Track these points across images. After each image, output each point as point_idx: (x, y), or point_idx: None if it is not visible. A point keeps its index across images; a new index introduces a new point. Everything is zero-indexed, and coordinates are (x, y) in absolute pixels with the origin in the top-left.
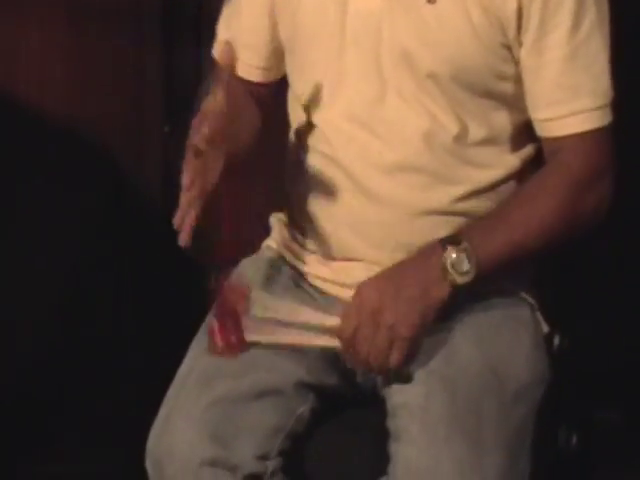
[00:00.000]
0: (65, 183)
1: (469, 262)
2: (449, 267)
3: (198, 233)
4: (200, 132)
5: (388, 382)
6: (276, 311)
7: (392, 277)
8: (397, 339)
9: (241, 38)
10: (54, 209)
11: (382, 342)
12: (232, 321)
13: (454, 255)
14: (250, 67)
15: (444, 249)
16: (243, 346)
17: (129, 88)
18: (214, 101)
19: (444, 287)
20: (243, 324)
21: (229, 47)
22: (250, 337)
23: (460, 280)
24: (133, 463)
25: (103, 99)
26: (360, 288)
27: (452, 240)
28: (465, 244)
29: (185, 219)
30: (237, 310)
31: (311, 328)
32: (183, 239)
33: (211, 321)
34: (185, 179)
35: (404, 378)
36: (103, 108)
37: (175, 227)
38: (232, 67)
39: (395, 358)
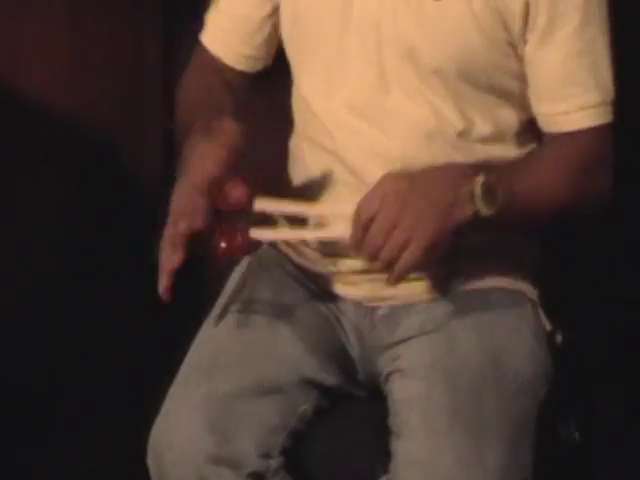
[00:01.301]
0: (64, 179)
1: (496, 195)
2: (477, 193)
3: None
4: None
5: (392, 282)
6: (282, 203)
7: (419, 180)
8: (414, 243)
9: (233, 25)
10: (53, 205)
11: (398, 238)
12: (235, 220)
13: (484, 182)
14: (239, 56)
15: (475, 174)
16: (249, 245)
17: (129, 84)
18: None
19: (468, 210)
20: (248, 223)
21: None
22: (256, 234)
23: (484, 210)
24: (134, 458)
25: (103, 95)
26: (387, 178)
27: (486, 170)
28: (495, 177)
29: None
30: (239, 207)
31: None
32: (164, 290)
33: (214, 223)
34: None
35: (404, 277)
36: (103, 104)
37: (160, 266)
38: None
39: (407, 259)
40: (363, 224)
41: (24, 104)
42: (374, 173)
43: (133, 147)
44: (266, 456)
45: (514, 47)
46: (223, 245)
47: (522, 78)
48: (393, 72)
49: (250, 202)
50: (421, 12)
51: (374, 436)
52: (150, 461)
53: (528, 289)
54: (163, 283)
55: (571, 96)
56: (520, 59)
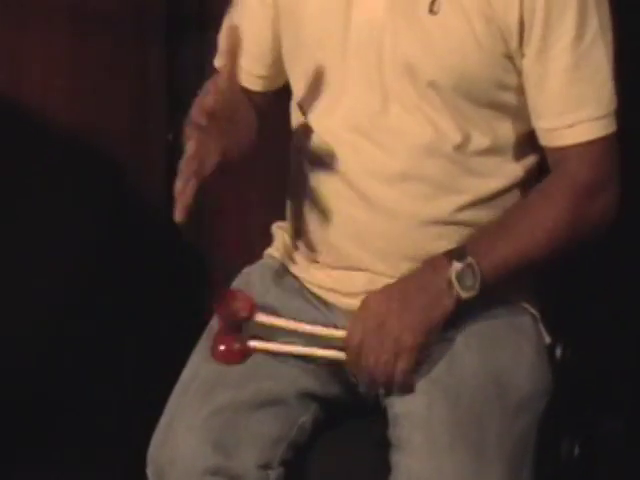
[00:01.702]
0: (67, 190)
1: (474, 277)
2: (454, 281)
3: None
4: (201, 105)
5: (392, 394)
6: (281, 320)
7: (398, 290)
8: (402, 350)
9: (245, 47)
10: (56, 215)
11: (388, 353)
12: (235, 327)
13: (459, 270)
14: (250, 75)
15: (450, 263)
16: (246, 353)
17: (132, 95)
18: (217, 80)
19: (449, 301)
20: (246, 331)
21: (235, 31)
22: (253, 344)
23: (465, 295)
24: (135, 470)
25: (106, 106)
26: (366, 300)
27: (457, 254)
28: (470, 259)
29: (185, 190)
30: (240, 316)
31: (316, 339)
32: (179, 213)
33: (214, 327)
34: (189, 148)
35: (408, 389)
36: (106, 115)
37: (175, 194)
38: (236, 53)
39: (400, 369)
40: (353, 352)
41: (26, 117)
42: (374, 189)
43: (136, 156)
44: (265, 467)
45: (513, 60)
46: (222, 348)
47: (521, 92)
48: (392, 89)
49: (252, 314)
50: (421, 29)
51: (373, 449)
52: (151, 477)
53: (528, 303)
54: (178, 210)
55: (568, 111)
56: (519, 72)
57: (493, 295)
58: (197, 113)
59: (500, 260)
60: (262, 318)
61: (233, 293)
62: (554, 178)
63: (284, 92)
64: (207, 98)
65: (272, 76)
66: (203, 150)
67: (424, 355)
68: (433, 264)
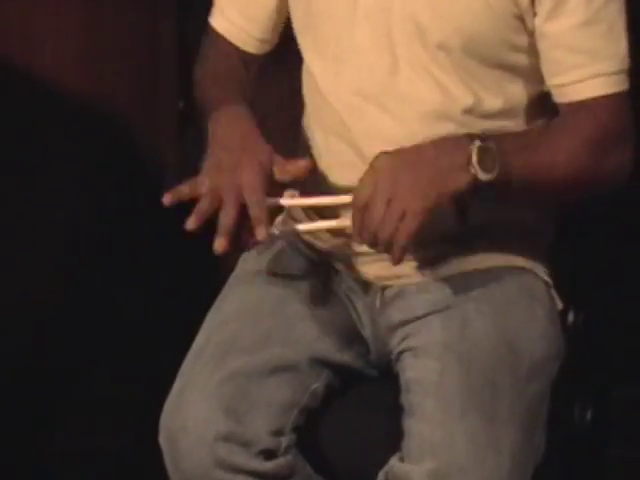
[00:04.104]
0: (79, 158)
1: (494, 160)
2: (474, 157)
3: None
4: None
5: (395, 260)
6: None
7: (413, 154)
8: (410, 212)
9: (244, 8)
10: (68, 182)
11: (394, 212)
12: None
13: (481, 148)
14: (249, 37)
15: (471, 141)
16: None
17: (143, 63)
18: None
19: (464, 176)
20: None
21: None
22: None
23: (482, 175)
24: (147, 438)
25: (118, 74)
26: (377, 159)
27: (481, 137)
28: (492, 143)
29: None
30: None
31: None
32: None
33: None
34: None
35: (404, 253)
36: (117, 83)
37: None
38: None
39: (405, 231)
40: (361, 209)
41: (39, 85)
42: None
43: (148, 124)
44: (277, 433)
45: (523, 20)
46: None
47: (532, 52)
48: (402, 52)
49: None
50: None
51: (386, 415)
52: (163, 444)
53: (540, 268)
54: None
55: (582, 65)
56: (530, 33)
57: (499, 255)
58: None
59: (518, 164)
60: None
61: None
62: (573, 118)
63: (295, 59)
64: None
65: (267, 40)
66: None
67: (431, 317)
68: (453, 139)
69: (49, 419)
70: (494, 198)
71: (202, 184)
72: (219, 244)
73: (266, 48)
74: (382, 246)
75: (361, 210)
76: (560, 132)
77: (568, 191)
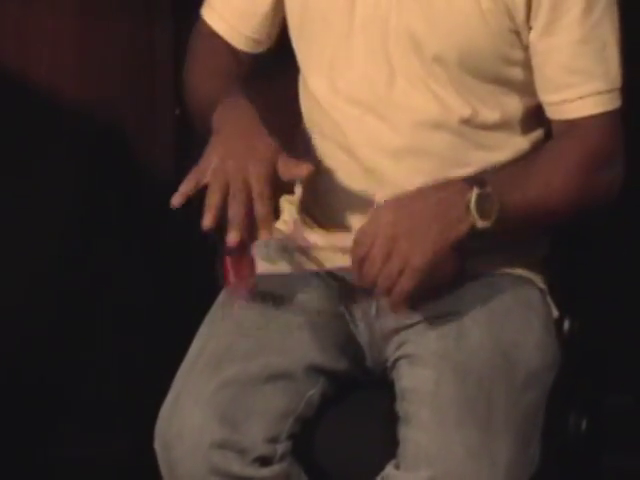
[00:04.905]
0: (76, 166)
1: (492, 206)
2: (472, 207)
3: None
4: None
5: (391, 309)
6: (288, 240)
7: (412, 205)
8: (409, 268)
9: (238, 5)
10: (64, 191)
11: (394, 267)
12: (243, 255)
13: (479, 196)
14: (240, 35)
15: (470, 188)
16: (255, 279)
17: (140, 70)
18: None
19: (463, 226)
20: (255, 256)
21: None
22: (262, 268)
23: (480, 224)
24: (142, 445)
25: (114, 81)
26: (379, 209)
27: (478, 182)
28: (490, 188)
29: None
30: (247, 245)
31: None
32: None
33: (223, 257)
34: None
35: (405, 309)
36: (114, 90)
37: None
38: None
39: (403, 285)
40: (360, 257)
41: (34, 92)
42: (380, 164)
43: (144, 132)
44: (273, 441)
45: (519, 35)
46: (233, 279)
47: (528, 66)
48: (398, 63)
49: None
50: (427, 5)
51: (381, 422)
52: (159, 451)
53: (537, 276)
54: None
55: (576, 84)
56: (525, 47)
57: (495, 265)
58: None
59: (517, 200)
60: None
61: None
62: (564, 141)
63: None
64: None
65: (259, 40)
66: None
67: (426, 326)
68: (452, 186)
69: (45, 426)
70: (491, 236)
71: (205, 171)
72: (232, 237)
73: (258, 48)
74: (381, 293)
75: (360, 260)
76: (553, 155)
77: (563, 214)
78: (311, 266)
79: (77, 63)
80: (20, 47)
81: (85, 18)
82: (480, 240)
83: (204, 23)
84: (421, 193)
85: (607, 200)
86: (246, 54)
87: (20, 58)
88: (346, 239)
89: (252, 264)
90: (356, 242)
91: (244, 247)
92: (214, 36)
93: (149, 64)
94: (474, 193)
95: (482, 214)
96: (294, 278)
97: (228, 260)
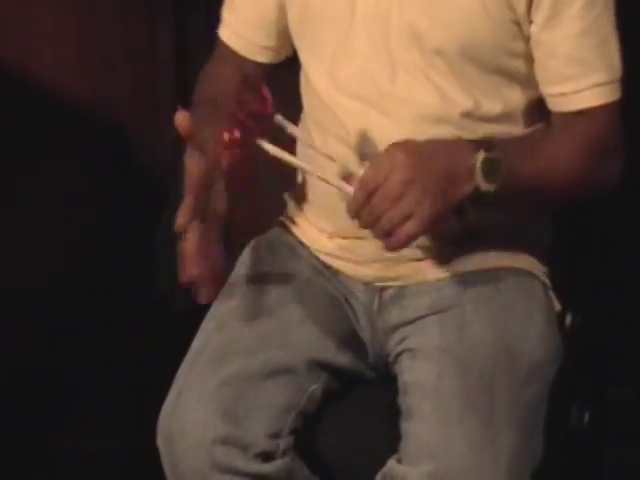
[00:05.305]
0: (77, 164)
1: (498, 170)
2: (478, 169)
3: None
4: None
5: (388, 248)
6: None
7: (425, 154)
8: (415, 218)
9: (248, 17)
10: (65, 188)
11: (401, 211)
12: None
13: (485, 158)
14: (256, 47)
15: (477, 150)
16: (250, 146)
17: (141, 65)
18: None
19: (467, 187)
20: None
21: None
22: (265, 145)
23: (484, 186)
24: (145, 441)
25: (115, 79)
26: (395, 149)
27: (486, 146)
28: (497, 153)
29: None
30: (257, 110)
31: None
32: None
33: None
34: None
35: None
36: (115, 88)
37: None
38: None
39: (409, 230)
40: (369, 189)
41: (35, 91)
42: None
43: (146, 128)
44: (275, 436)
45: (520, 27)
46: (226, 136)
47: (529, 58)
48: (399, 57)
49: (270, 111)
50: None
51: (384, 417)
52: (161, 447)
53: (539, 270)
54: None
55: (577, 76)
56: (526, 39)
57: (500, 260)
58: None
59: (524, 167)
60: (280, 121)
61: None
62: (567, 129)
63: (294, 63)
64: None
65: (276, 48)
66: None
67: (429, 320)
68: (460, 145)
69: (48, 422)
70: (493, 203)
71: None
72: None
73: (275, 56)
74: (378, 232)
75: (367, 193)
76: (556, 142)
77: (565, 193)
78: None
79: (78, 61)
80: (22, 45)
81: (86, 16)
82: (483, 206)
83: (222, 42)
84: (432, 145)
85: (606, 189)
86: (264, 65)
87: (22, 56)
88: (356, 169)
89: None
90: (367, 174)
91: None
92: (230, 52)
93: (150, 61)
94: (481, 155)
95: (487, 177)
96: (296, 271)
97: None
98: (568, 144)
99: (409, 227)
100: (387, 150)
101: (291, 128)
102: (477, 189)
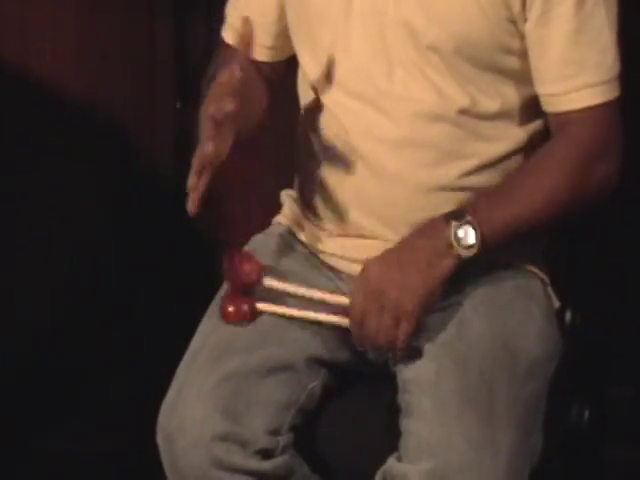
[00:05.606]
0: (77, 160)
1: (474, 236)
2: (453, 241)
3: (207, 210)
4: (218, 104)
5: (399, 359)
6: (289, 285)
7: (396, 254)
8: (403, 315)
9: (252, 19)
10: (65, 185)
11: (388, 319)
12: (244, 289)
13: (458, 229)
14: (258, 46)
15: (448, 224)
16: (254, 314)
17: (141, 64)
18: (229, 75)
19: (448, 261)
20: (255, 294)
21: (248, 25)
22: (262, 306)
23: (465, 254)
24: (144, 439)
25: (115, 75)
26: (365, 268)
27: (456, 215)
28: (469, 217)
29: (197, 184)
30: (249, 280)
31: (323, 305)
32: (192, 206)
33: (224, 289)
34: (207, 148)
35: (414, 354)
36: (115, 84)
37: (188, 189)
38: (249, 45)
39: (402, 334)
40: (357, 322)
41: (35, 88)
42: (379, 156)
43: (145, 125)
44: (275, 433)
45: (516, 24)
46: (230, 309)
47: (526, 55)
48: (396, 55)
49: (260, 278)
50: None
51: (383, 414)
52: (161, 444)
53: (538, 267)
54: (191, 202)
55: (570, 75)
56: (522, 37)
57: (496, 256)
58: (213, 109)
59: (500, 222)
60: (271, 282)
61: (243, 257)
62: (556, 142)
63: (293, 61)
64: (226, 101)
65: (279, 46)
66: (218, 138)
67: (428, 318)
68: (431, 226)
69: (47, 420)
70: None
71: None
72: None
73: (278, 55)
74: (384, 350)
75: (358, 324)
76: (537, 170)
77: (557, 217)
78: (312, 315)
79: (78, 59)
80: (21, 43)
81: (86, 14)
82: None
83: (226, 46)
84: (402, 243)
85: (604, 192)
86: (267, 64)
87: (21, 54)
88: (343, 299)
89: (251, 300)
90: (351, 307)
91: (245, 283)
92: (232, 51)
93: (150, 59)
94: (452, 227)
95: (464, 246)
96: (295, 269)
97: (228, 293)
98: (550, 164)
99: (401, 331)
100: (359, 274)
101: (282, 286)
102: (460, 259)
